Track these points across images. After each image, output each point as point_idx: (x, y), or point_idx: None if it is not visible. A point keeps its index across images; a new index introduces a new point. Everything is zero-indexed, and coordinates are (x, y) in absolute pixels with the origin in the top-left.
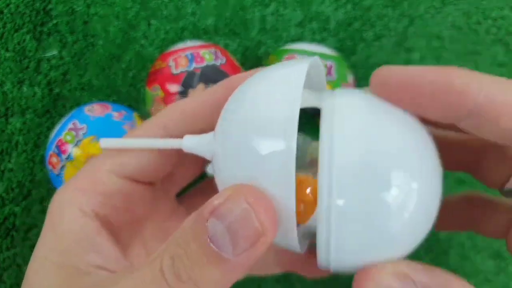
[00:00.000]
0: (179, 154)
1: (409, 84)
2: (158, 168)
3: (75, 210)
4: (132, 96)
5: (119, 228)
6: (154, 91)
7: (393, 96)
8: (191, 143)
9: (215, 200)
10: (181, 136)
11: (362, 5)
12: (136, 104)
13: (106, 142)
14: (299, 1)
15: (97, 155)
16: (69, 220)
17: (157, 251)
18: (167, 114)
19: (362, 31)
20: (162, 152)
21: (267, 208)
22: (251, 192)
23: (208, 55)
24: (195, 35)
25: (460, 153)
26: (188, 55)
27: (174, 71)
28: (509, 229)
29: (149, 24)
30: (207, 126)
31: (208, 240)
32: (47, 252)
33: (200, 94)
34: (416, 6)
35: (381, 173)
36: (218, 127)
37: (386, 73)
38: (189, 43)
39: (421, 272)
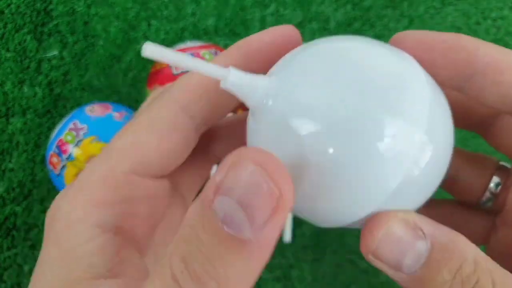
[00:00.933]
0: (195, 140)
1: (423, 42)
2: (176, 155)
3: (90, 229)
4: (133, 96)
5: (145, 237)
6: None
7: (409, 53)
8: (239, 79)
9: (216, 176)
10: (202, 120)
11: (362, 6)
12: (137, 104)
13: (151, 49)
14: (299, 2)
15: (106, 150)
16: (82, 241)
17: (165, 256)
18: (180, 91)
19: (362, 31)
20: (182, 136)
21: (278, 166)
22: (256, 152)
23: (208, 55)
24: (195, 36)
25: None
26: (188, 55)
27: (175, 72)
28: (489, 235)
29: (149, 25)
30: (227, 106)
31: (220, 224)
32: (63, 283)
33: (216, 62)
34: (416, 7)
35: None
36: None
37: (403, 34)
38: (189, 44)
39: (430, 224)
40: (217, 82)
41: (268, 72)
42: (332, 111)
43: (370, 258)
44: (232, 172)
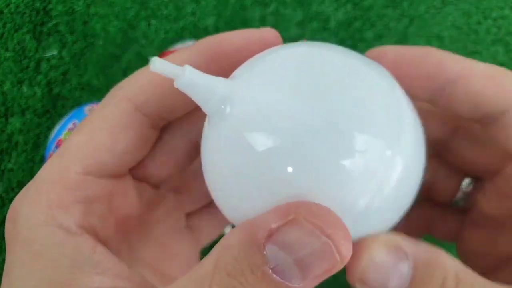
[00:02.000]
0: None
1: (396, 57)
2: (132, 154)
3: (57, 231)
4: None
5: (108, 236)
6: None
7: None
8: (195, 79)
9: (271, 222)
10: (152, 116)
11: (362, 5)
12: None
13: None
14: (299, 1)
15: (60, 151)
16: (54, 243)
17: (193, 281)
18: (133, 88)
19: (362, 31)
20: (138, 134)
21: (339, 227)
22: (316, 211)
23: None
24: (195, 35)
25: None
26: None
27: None
28: (459, 232)
29: (149, 24)
30: (189, 104)
31: (270, 270)
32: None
33: (177, 57)
34: (416, 6)
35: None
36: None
37: (377, 50)
38: (189, 43)
39: (411, 244)
40: (171, 80)
41: (231, 75)
42: (295, 123)
43: (357, 285)
44: (290, 229)
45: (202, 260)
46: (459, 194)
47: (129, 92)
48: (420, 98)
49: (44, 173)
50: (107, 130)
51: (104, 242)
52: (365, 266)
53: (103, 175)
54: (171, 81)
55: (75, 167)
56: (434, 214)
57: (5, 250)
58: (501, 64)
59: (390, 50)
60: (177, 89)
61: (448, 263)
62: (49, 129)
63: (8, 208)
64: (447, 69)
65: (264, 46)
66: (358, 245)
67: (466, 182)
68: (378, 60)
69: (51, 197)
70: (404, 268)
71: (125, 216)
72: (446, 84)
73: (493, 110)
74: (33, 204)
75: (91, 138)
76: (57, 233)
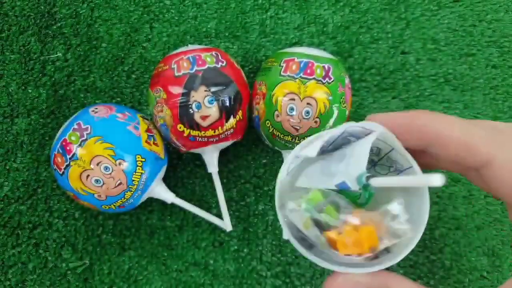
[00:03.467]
0: None
1: (387, 124)
2: None
3: None
4: (136, 98)
5: None
6: (157, 93)
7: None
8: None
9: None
10: None
11: (359, 9)
12: (139, 105)
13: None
14: (297, 5)
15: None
16: None
17: None
18: None
19: (359, 34)
20: None
21: None
22: None
23: (210, 58)
24: (197, 39)
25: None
26: (190, 58)
27: (176, 74)
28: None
29: (151, 28)
30: None
31: None
32: None
33: None
34: (412, 9)
35: None
36: None
37: (371, 119)
38: (191, 46)
39: (366, 276)
40: None
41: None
42: None
43: None
44: None
45: None
46: None
47: None
48: (417, 151)
49: None
50: None
51: None
52: None
53: None
54: None
55: None
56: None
57: (10, 248)
58: (495, 66)
59: (378, 119)
60: None
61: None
62: (54, 129)
63: (14, 207)
64: (427, 136)
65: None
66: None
67: None
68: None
69: None
70: None
71: None
72: (430, 145)
73: (472, 165)
74: None
75: None
76: None
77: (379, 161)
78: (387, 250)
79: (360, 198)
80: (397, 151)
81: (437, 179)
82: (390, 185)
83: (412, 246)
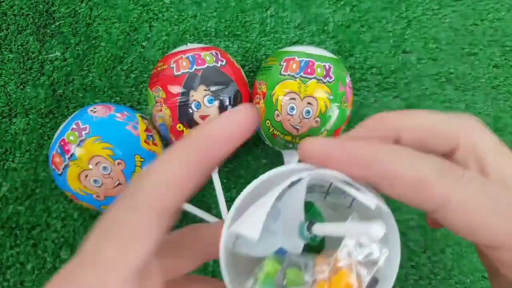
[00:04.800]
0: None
1: (326, 160)
2: (153, 253)
3: None
4: (134, 97)
5: None
6: (156, 93)
7: (318, 163)
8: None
9: None
10: (170, 213)
11: (360, 8)
12: (138, 105)
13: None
14: (298, 4)
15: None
16: None
17: None
18: (152, 195)
19: (360, 33)
20: (155, 241)
21: None
22: None
23: (209, 57)
24: (196, 38)
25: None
26: (189, 57)
27: (176, 73)
28: None
29: (151, 27)
30: (194, 190)
31: None
32: None
33: (177, 156)
34: (413, 8)
35: None
36: None
37: (309, 148)
38: (190, 45)
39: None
40: (184, 178)
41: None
42: None
43: None
44: None
45: None
46: None
47: (150, 202)
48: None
49: (84, 285)
50: (137, 241)
51: None
52: None
53: (136, 275)
54: (185, 179)
55: (116, 280)
56: None
57: (8, 248)
58: (497, 65)
59: (317, 149)
60: (186, 187)
61: None
62: (52, 129)
63: (12, 207)
64: (371, 175)
65: (246, 128)
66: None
67: None
68: (308, 156)
69: None
70: None
71: None
72: (374, 184)
73: (425, 208)
74: None
75: (125, 251)
76: None
77: (328, 189)
78: (374, 280)
79: (315, 241)
80: (341, 186)
81: (376, 229)
82: (334, 234)
83: (395, 269)
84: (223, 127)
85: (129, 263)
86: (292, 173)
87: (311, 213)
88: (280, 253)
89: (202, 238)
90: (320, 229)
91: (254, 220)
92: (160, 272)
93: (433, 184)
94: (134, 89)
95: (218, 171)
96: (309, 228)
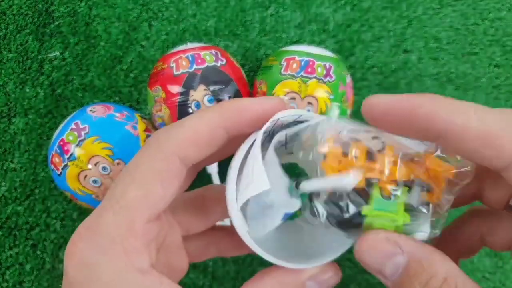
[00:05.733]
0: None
1: (386, 111)
2: (175, 197)
3: (135, 273)
4: (134, 97)
5: (160, 263)
6: (155, 92)
7: (379, 124)
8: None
9: None
10: (194, 165)
11: (360, 7)
12: (138, 104)
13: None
14: (298, 3)
15: (120, 202)
16: (135, 283)
17: None
18: (179, 143)
19: (361, 32)
20: (181, 182)
21: None
22: None
23: (209, 57)
24: (196, 37)
25: (466, 188)
26: (189, 56)
27: (175, 73)
28: None
29: (150, 26)
30: (213, 150)
31: None
32: None
33: (211, 116)
34: (414, 8)
35: None
36: None
37: (372, 102)
38: (190, 45)
39: (410, 243)
40: (208, 134)
41: None
42: None
43: (361, 263)
44: None
45: None
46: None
47: (175, 148)
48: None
49: (112, 226)
50: (160, 183)
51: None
52: (366, 250)
53: (158, 219)
54: (207, 138)
55: (140, 219)
56: (488, 225)
57: (7, 248)
58: (498, 65)
59: (380, 102)
60: (210, 143)
61: (439, 265)
62: (52, 129)
63: (11, 208)
64: (437, 127)
65: (274, 113)
66: (365, 234)
67: None
68: (369, 111)
69: (125, 247)
70: (399, 260)
71: (162, 241)
72: (437, 138)
73: (493, 164)
74: (109, 252)
75: (148, 192)
76: (135, 274)
77: (286, 140)
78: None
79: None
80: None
81: (349, 181)
82: (317, 189)
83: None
84: (255, 107)
85: (152, 204)
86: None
87: (298, 173)
88: (285, 219)
89: (213, 199)
90: (306, 186)
91: (256, 176)
92: (179, 227)
93: (504, 138)
94: (133, 89)
95: (217, 171)
96: (297, 186)
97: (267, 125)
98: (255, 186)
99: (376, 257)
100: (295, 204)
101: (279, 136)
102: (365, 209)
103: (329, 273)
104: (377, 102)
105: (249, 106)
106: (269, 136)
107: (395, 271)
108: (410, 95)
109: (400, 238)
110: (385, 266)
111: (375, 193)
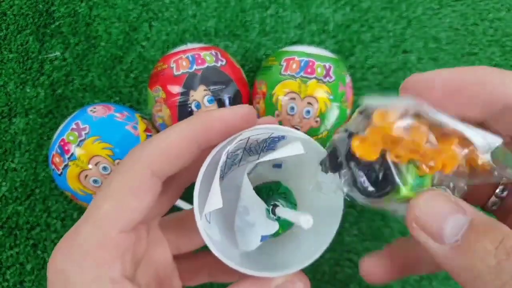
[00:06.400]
0: (166, 183)
1: (445, 87)
2: (150, 208)
3: (107, 284)
4: (134, 97)
5: (133, 275)
6: (156, 92)
7: (434, 100)
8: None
9: None
10: (164, 178)
11: (360, 7)
12: (138, 105)
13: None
14: (298, 3)
15: (94, 215)
16: None
17: None
18: (150, 156)
19: (360, 32)
20: (154, 192)
21: None
22: None
23: (209, 57)
24: (196, 37)
25: None
26: (189, 56)
27: (176, 73)
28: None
29: (150, 26)
30: (187, 162)
31: None
32: None
33: (179, 129)
34: (414, 8)
35: None
36: None
37: (424, 78)
38: (190, 45)
39: (471, 206)
40: (178, 146)
41: None
42: None
43: (414, 226)
44: None
45: None
46: (493, 199)
47: (147, 161)
48: (471, 121)
49: (86, 238)
50: (133, 196)
51: (132, 280)
52: (423, 208)
53: (132, 230)
54: (178, 150)
55: (113, 230)
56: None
57: (8, 248)
58: (497, 65)
59: (438, 78)
60: (181, 155)
61: (506, 228)
62: (52, 129)
63: (12, 208)
64: (502, 98)
65: (244, 121)
66: (421, 192)
67: (500, 188)
68: (425, 89)
69: (97, 258)
70: (462, 219)
71: (141, 253)
72: (502, 112)
73: None
74: (83, 264)
75: (121, 204)
76: (106, 285)
77: (246, 145)
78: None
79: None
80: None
81: (304, 221)
82: (288, 218)
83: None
84: (225, 117)
85: (124, 215)
86: (223, 145)
87: (280, 192)
88: (265, 240)
89: None
90: (281, 212)
91: (212, 194)
92: (168, 245)
93: None
94: (133, 89)
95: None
96: (273, 212)
97: (224, 144)
98: (209, 204)
99: (435, 215)
100: (272, 227)
101: (252, 161)
102: (403, 190)
103: (298, 283)
104: (434, 78)
105: (218, 116)
106: (247, 150)
107: (457, 230)
108: (465, 69)
109: (460, 200)
110: (446, 224)
111: (411, 172)
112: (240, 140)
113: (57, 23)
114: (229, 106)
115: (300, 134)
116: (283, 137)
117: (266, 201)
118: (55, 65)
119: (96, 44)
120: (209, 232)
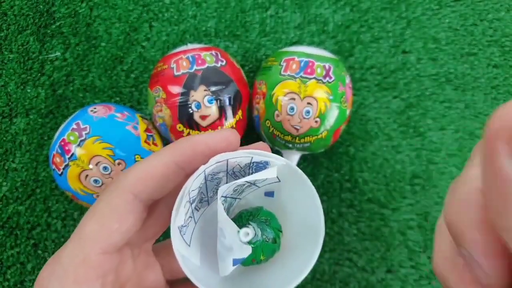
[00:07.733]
0: (149, 208)
1: None
2: (133, 230)
3: None
4: (135, 97)
5: None
6: (156, 93)
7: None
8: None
9: None
10: (150, 200)
11: (360, 8)
12: (138, 105)
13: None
14: (298, 4)
15: (78, 236)
16: None
17: None
18: (132, 180)
19: (360, 33)
20: (136, 215)
21: None
22: None
23: (209, 57)
24: (196, 38)
25: None
26: (189, 57)
27: (176, 73)
28: None
29: (151, 27)
30: (172, 186)
31: None
32: None
33: (164, 154)
34: (413, 9)
35: None
36: None
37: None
38: (190, 46)
39: None
40: (160, 170)
41: None
42: None
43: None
44: None
45: None
46: None
47: (130, 185)
48: None
49: (68, 257)
50: (115, 218)
51: None
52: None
53: (114, 251)
54: (160, 174)
55: (95, 250)
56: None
57: (9, 248)
58: (496, 65)
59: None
60: (163, 179)
61: None
62: (53, 129)
63: (12, 207)
64: None
65: (227, 144)
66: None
67: None
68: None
69: (78, 276)
70: None
71: (127, 276)
72: None
73: None
74: (63, 282)
75: (103, 226)
76: None
77: (227, 171)
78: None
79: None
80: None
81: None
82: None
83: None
84: (207, 140)
85: (106, 237)
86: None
87: (261, 216)
88: (238, 263)
89: None
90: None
91: (179, 213)
92: (162, 269)
93: None
94: (134, 89)
95: None
96: (244, 234)
97: (206, 166)
98: (175, 221)
99: None
100: (245, 251)
101: (228, 186)
102: None
103: None
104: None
105: (200, 140)
106: (231, 175)
107: None
108: None
109: None
110: None
111: None
112: (218, 162)
113: (57, 24)
114: (211, 131)
115: (281, 159)
116: (267, 163)
117: (241, 226)
118: (56, 66)
119: (97, 44)
120: (188, 255)
